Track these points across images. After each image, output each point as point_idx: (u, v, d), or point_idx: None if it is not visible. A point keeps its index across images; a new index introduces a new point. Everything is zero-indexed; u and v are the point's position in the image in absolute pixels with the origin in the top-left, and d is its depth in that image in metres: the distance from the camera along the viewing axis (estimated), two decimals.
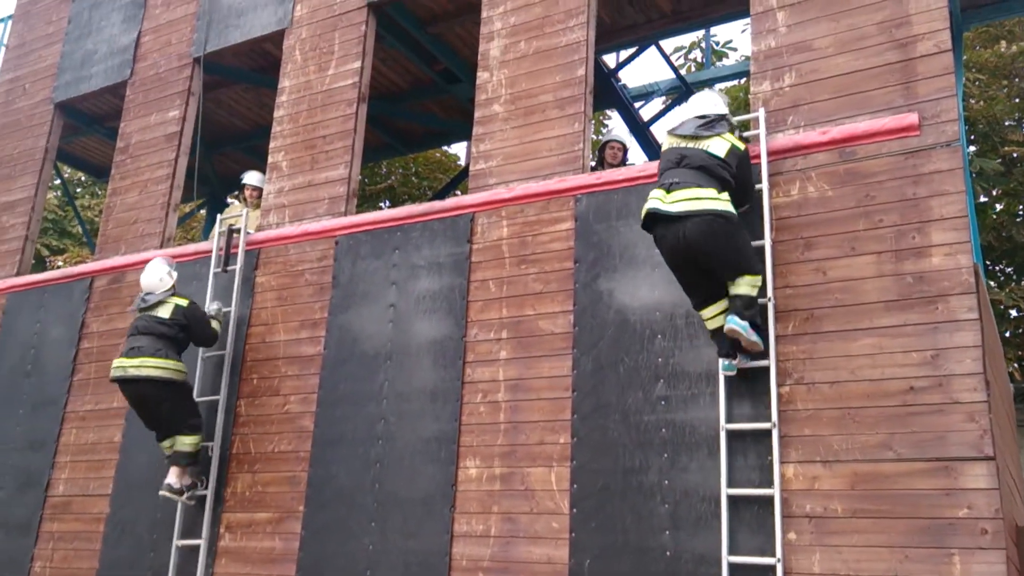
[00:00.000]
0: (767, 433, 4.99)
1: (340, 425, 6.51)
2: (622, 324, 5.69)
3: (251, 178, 8.55)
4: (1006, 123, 13.99)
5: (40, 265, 18.29)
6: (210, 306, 7.13)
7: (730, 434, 5.09)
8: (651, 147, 10.34)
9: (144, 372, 6.47)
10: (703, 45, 14.84)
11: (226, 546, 6.67)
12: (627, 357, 5.61)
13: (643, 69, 46.18)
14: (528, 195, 6.32)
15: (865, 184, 5.17)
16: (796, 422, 4.96)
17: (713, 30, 13.53)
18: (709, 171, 4.99)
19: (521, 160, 6.48)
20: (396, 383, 6.40)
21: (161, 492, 6.65)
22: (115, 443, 7.56)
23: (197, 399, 6.91)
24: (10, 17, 10.91)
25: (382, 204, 16.87)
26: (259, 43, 8.65)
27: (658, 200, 4.97)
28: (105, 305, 8.19)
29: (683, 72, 13.50)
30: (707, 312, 5.10)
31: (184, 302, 6.80)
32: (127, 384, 6.55)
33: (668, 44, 19.60)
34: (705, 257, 4.93)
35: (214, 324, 6.95)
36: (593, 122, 15.10)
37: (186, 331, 6.75)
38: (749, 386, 5.14)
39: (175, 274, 6.97)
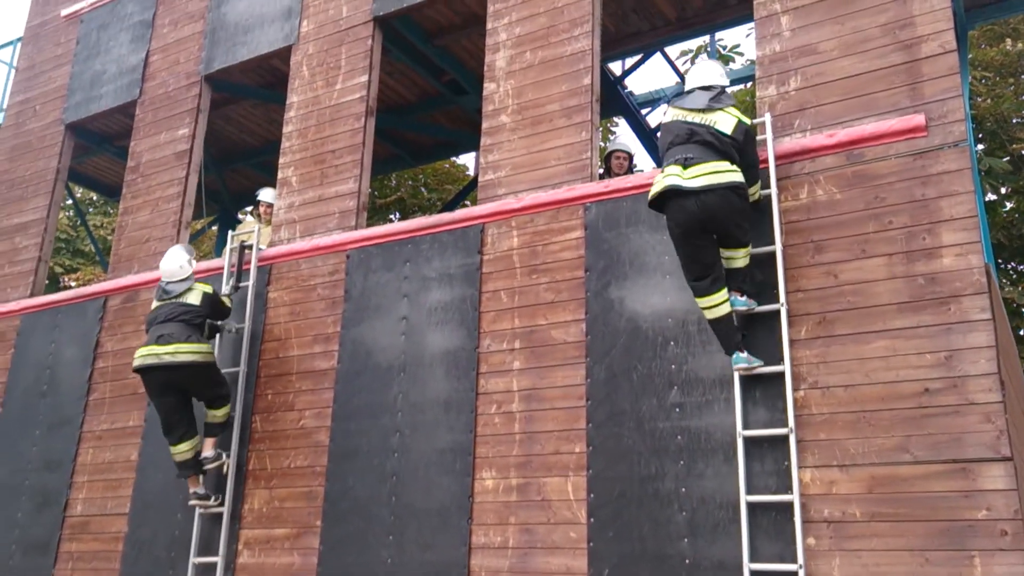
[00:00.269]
0: (782, 438, 4.99)
1: (355, 438, 6.52)
2: (634, 332, 5.70)
3: (266, 195, 8.60)
4: (1014, 121, 13.95)
5: (54, 283, 18.37)
6: (224, 287, 7.36)
7: (746, 440, 5.09)
8: (658, 153, 10.32)
9: (180, 359, 6.56)
10: (709, 49, 14.83)
11: (244, 563, 6.68)
12: (640, 364, 5.61)
13: (649, 75, 46.19)
14: (537, 205, 6.34)
15: (874, 186, 5.17)
16: (812, 426, 4.96)
17: (720, 34, 13.51)
18: (718, 146, 5.07)
19: (529, 170, 6.50)
20: (410, 395, 6.41)
21: (191, 502, 6.80)
22: (132, 462, 7.59)
23: None
24: (19, 40, 11.00)
25: (392, 216, 16.92)
26: (267, 59, 8.72)
27: (676, 176, 5.03)
28: (119, 324, 8.23)
29: None
30: (711, 300, 5.08)
31: (209, 288, 7.02)
32: (157, 372, 6.60)
33: (674, 49, 19.66)
34: (719, 227, 5.04)
35: (226, 301, 7.18)
36: (600, 130, 15.09)
37: (209, 314, 6.96)
38: (764, 391, 5.14)
39: (195, 262, 7.16)
